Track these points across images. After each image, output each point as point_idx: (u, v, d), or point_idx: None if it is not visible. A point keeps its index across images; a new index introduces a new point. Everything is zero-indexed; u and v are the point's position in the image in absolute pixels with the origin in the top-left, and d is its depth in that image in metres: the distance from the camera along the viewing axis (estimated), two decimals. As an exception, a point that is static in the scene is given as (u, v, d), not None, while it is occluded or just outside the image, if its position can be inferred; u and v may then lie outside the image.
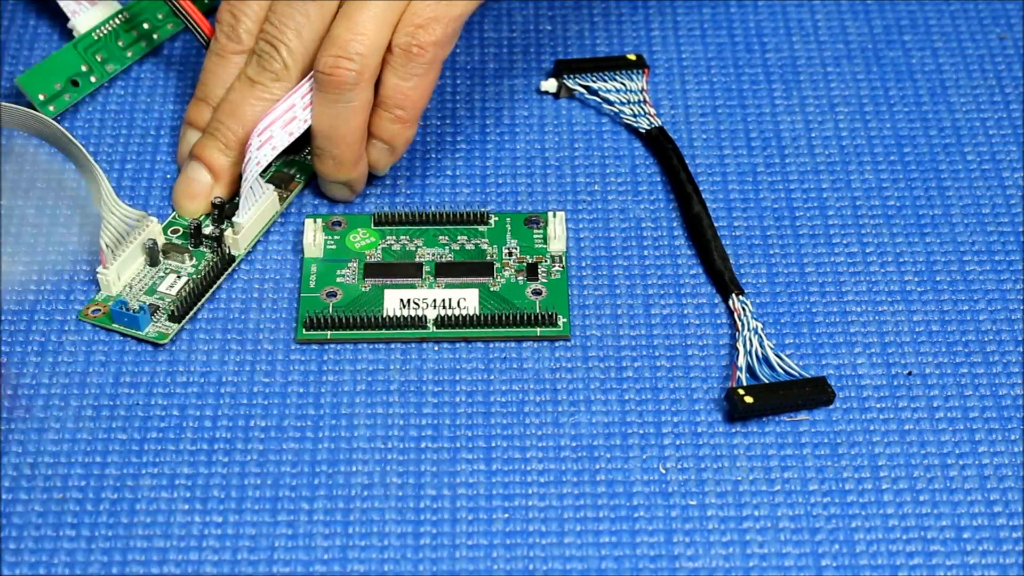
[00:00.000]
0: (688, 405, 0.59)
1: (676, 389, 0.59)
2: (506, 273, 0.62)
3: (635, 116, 0.68)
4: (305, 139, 0.64)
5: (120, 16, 0.69)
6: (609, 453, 0.58)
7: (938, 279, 0.63)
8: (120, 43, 0.69)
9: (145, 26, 0.70)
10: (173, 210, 0.65)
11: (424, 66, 0.62)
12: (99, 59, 0.69)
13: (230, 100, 0.64)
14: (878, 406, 0.59)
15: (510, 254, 0.63)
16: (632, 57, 0.69)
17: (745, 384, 0.59)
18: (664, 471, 0.57)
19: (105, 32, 0.69)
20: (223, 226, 0.63)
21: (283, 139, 0.63)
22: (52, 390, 0.59)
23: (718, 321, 0.62)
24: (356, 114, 0.63)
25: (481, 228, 0.64)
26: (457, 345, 0.61)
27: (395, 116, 0.63)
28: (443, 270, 0.62)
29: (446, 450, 0.58)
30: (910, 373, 0.60)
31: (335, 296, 0.62)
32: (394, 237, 0.64)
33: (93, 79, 0.69)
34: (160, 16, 0.70)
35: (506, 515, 0.56)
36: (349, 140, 0.63)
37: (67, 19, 0.70)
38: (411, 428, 0.58)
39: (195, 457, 0.57)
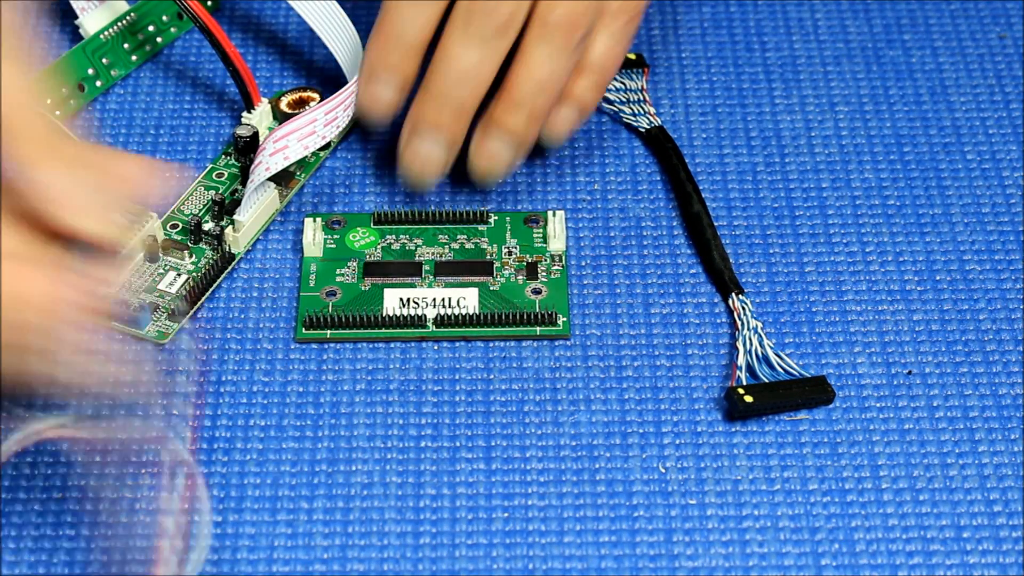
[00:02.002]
0: (688, 404, 0.59)
1: (676, 388, 0.59)
2: (506, 272, 0.62)
3: (635, 115, 0.68)
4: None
5: (127, 18, 0.69)
6: (609, 452, 0.58)
7: (938, 279, 0.63)
8: (126, 46, 0.69)
9: (150, 28, 0.70)
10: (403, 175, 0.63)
11: (635, 28, 0.61)
12: (105, 63, 0.68)
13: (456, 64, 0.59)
14: (878, 406, 0.59)
15: (510, 253, 0.63)
16: (632, 56, 0.69)
17: (745, 383, 0.59)
18: (664, 470, 0.57)
19: (112, 34, 0.69)
20: (223, 223, 0.63)
21: (297, 151, 0.63)
22: (52, 389, 0.59)
23: (718, 320, 0.61)
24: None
25: (481, 227, 0.64)
26: (457, 344, 0.61)
27: (597, 80, 0.62)
28: (443, 269, 0.62)
29: (446, 449, 0.58)
30: (910, 372, 0.60)
31: (335, 295, 0.62)
32: (394, 236, 0.64)
33: (99, 83, 0.69)
34: (164, 19, 0.70)
35: (506, 514, 0.56)
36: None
37: (66, 20, 0.70)
38: (411, 427, 0.58)
39: (195, 456, 0.57)
